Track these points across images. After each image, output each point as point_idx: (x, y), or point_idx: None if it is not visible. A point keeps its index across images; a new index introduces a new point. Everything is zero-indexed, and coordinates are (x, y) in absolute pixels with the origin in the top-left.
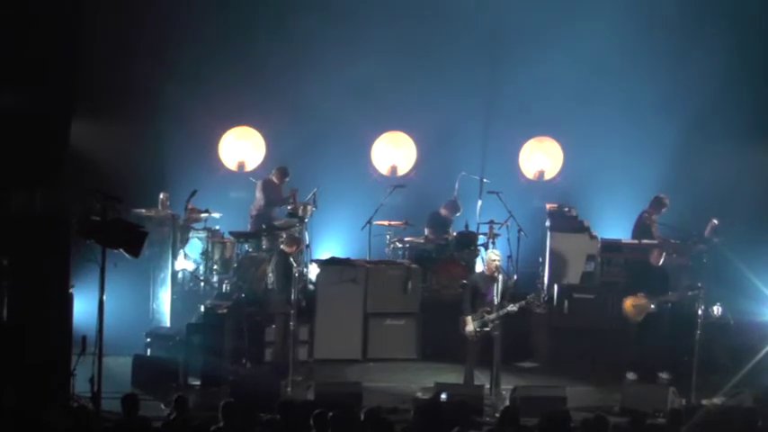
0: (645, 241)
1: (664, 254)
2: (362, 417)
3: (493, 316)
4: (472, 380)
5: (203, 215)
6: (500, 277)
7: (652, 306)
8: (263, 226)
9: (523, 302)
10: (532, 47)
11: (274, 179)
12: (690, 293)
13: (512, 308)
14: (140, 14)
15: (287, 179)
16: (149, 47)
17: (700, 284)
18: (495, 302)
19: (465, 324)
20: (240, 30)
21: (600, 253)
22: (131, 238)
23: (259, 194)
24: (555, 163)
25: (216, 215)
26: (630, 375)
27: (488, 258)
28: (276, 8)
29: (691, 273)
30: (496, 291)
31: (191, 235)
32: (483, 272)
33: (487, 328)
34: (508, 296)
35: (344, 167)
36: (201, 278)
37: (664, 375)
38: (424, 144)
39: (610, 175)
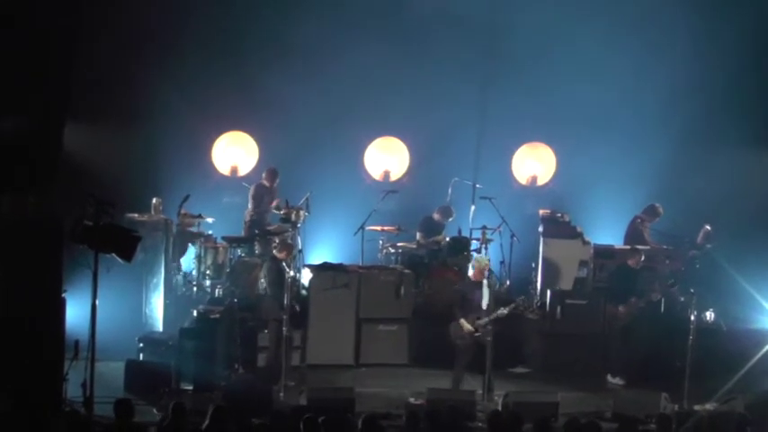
0: (638, 247)
1: (642, 257)
2: (360, 424)
3: (483, 321)
4: (459, 386)
5: (196, 220)
6: (485, 282)
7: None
8: (256, 231)
9: (513, 305)
10: (526, 53)
11: (265, 182)
12: (671, 289)
13: (501, 311)
14: (135, 20)
15: (277, 180)
16: (143, 52)
17: (692, 290)
18: (484, 308)
19: (459, 328)
20: (234, 35)
21: (592, 259)
22: (124, 243)
23: (251, 200)
24: (548, 169)
25: (209, 220)
26: (610, 378)
27: (475, 264)
28: (270, 14)
29: (683, 279)
30: (483, 296)
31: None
32: (469, 278)
33: (478, 333)
34: (492, 301)
35: (337, 173)
36: (194, 283)
37: (615, 380)
38: (417, 149)
39: (603, 180)
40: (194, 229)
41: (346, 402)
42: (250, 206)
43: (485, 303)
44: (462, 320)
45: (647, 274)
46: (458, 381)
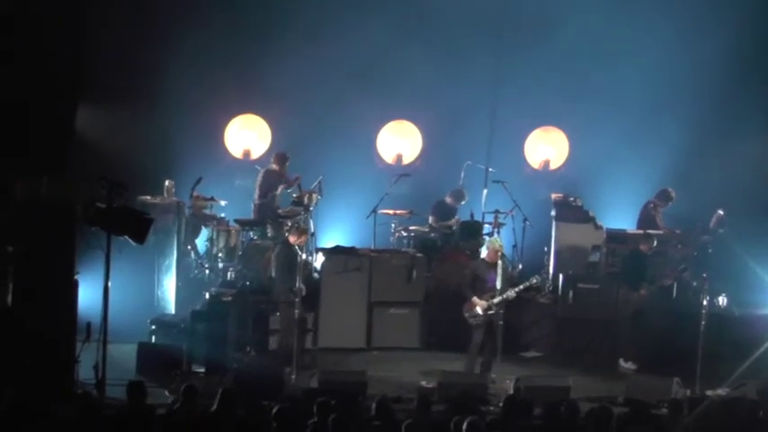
0: (650, 231)
1: (655, 243)
2: (374, 407)
3: (497, 300)
4: (472, 369)
5: (209, 203)
6: (500, 263)
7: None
8: (269, 214)
9: (528, 283)
10: (538, 35)
11: (275, 167)
12: (683, 274)
13: (519, 288)
14: (147, 3)
15: (287, 164)
16: (155, 34)
17: (705, 275)
18: (498, 288)
19: (472, 306)
20: (246, 17)
21: (605, 243)
22: (137, 225)
23: (258, 187)
24: (560, 153)
25: (222, 203)
26: (622, 363)
27: (490, 245)
28: None
29: (696, 264)
30: (497, 278)
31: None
32: (483, 259)
33: (491, 311)
34: (506, 283)
35: (350, 156)
36: (206, 266)
37: (627, 365)
38: (430, 133)
39: (615, 165)
40: (207, 211)
41: (358, 386)
42: (259, 192)
43: (498, 285)
44: (475, 298)
45: (659, 259)
46: (472, 362)
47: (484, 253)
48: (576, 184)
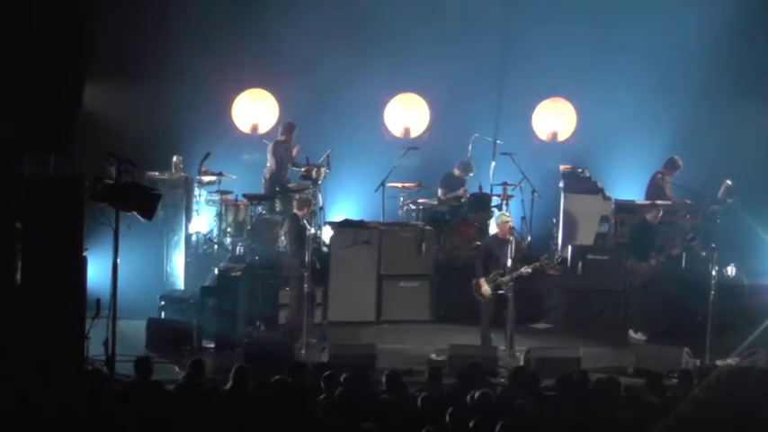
0: (658, 202)
1: (660, 212)
2: (384, 380)
3: (506, 278)
4: (488, 341)
5: (216, 177)
6: (512, 239)
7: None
8: (277, 188)
9: (537, 264)
10: (545, 5)
11: (283, 138)
12: (691, 243)
13: (525, 270)
14: None
15: (295, 133)
16: (162, 8)
17: (713, 245)
18: (509, 265)
19: (479, 287)
20: None
21: (614, 214)
22: (145, 201)
23: (270, 157)
24: (568, 124)
25: (230, 177)
26: (632, 333)
27: (500, 221)
28: None
29: (704, 234)
30: (510, 253)
31: (197, 193)
32: (496, 234)
33: (501, 291)
34: (521, 258)
35: (358, 129)
36: (215, 241)
37: (636, 335)
38: (438, 106)
39: (623, 135)
40: (212, 189)
41: (368, 359)
42: (270, 164)
43: (509, 261)
44: (482, 280)
45: (668, 229)
46: (486, 336)
47: (495, 229)
48: (584, 155)
